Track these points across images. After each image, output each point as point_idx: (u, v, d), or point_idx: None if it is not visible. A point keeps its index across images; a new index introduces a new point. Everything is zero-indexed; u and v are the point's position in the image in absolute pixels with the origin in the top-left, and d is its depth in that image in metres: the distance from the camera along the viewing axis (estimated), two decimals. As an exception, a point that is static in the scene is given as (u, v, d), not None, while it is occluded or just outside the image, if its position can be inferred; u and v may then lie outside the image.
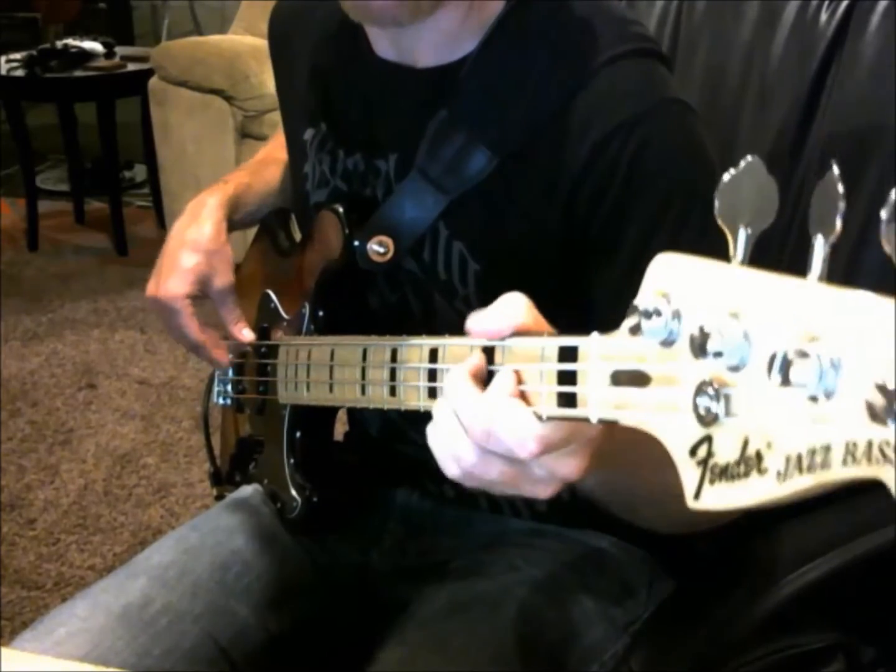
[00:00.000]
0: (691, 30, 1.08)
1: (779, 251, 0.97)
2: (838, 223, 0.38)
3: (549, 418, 0.52)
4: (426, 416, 0.91)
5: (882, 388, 0.34)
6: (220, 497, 1.07)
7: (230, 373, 1.06)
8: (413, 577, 0.95)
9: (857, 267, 0.92)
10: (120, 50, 3.71)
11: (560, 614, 0.88)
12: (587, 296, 0.79)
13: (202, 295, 0.94)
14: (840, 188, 0.38)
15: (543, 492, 0.58)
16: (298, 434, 0.92)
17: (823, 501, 0.84)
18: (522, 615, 0.86)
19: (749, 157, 0.43)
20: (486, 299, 0.67)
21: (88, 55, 3.53)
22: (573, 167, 0.77)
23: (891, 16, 0.95)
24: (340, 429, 1.01)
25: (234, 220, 0.98)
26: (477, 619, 0.86)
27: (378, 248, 0.84)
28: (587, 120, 0.77)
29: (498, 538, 0.94)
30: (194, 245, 0.93)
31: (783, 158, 0.99)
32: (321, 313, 0.90)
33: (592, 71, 0.78)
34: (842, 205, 0.38)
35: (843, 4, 0.98)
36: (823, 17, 0.99)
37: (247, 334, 0.95)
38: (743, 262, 0.42)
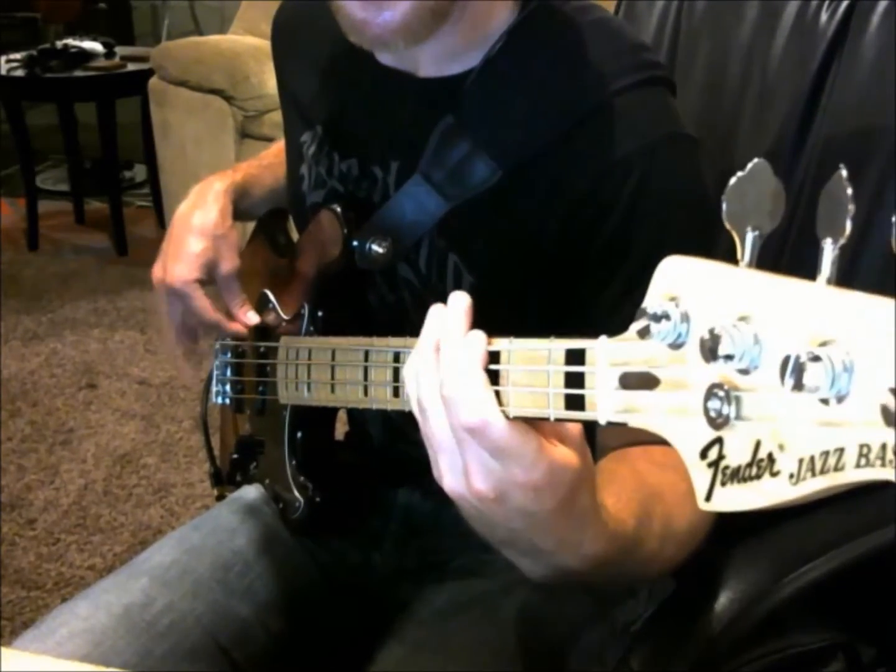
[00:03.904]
0: (691, 30, 1.08)
1: (778, 251, 0.98)
2: (848, 225, 0.38)
3: (557, 420, 0.52)
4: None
5: None
6: (220, 497, 1.07)
7: (228, 373, 1.06)
8: (414, 578, 0.95)
9: (856, 267, 0.92)
10: (120, 50, 3.71)
11: (560, 614, 0.88)
12: (579, 315, 0.78)
13: (208, 280, 0.94)
14: (848, 190, 0.38)
15: (451, 479, 0.56)
16: (299, 434, 0.92)
17: (823, 501, 0.84)
18: (522, 615, 0.86)
19: (756, 160, 0.43)
20: (480, 311, 0.67)
21: (88, 55, 3.53)
22: (574, 193, 0.77)
23: (891, 16, 0.95)
24: (341, 429, 1.01)
25: (238, 210, 0.98)
26: (477, 619, 0.86)
27: (377, 247, 0.84)
28: (592, 148, 0.77)
29: (499, 538, 0.94)
30: (201, 230, 0.93)
31: (783, 158, 0.99)
32: (320, 314, 0.90)
33: (603, 98, 0.78)
34: (851, 207, 0.38)
35: (843, 4, 0.98)
36: (823, 17, 0.99)
37: (252, 317, 0.94)
38: (750, 265, 0.42)
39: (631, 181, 0.76)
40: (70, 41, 3.60)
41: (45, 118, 4.26)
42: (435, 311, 0.58)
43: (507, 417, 0.53)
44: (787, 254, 0.98)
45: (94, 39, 3.65)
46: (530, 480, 0.53)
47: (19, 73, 3.42)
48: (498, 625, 0.86)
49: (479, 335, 0.56)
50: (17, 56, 3.48)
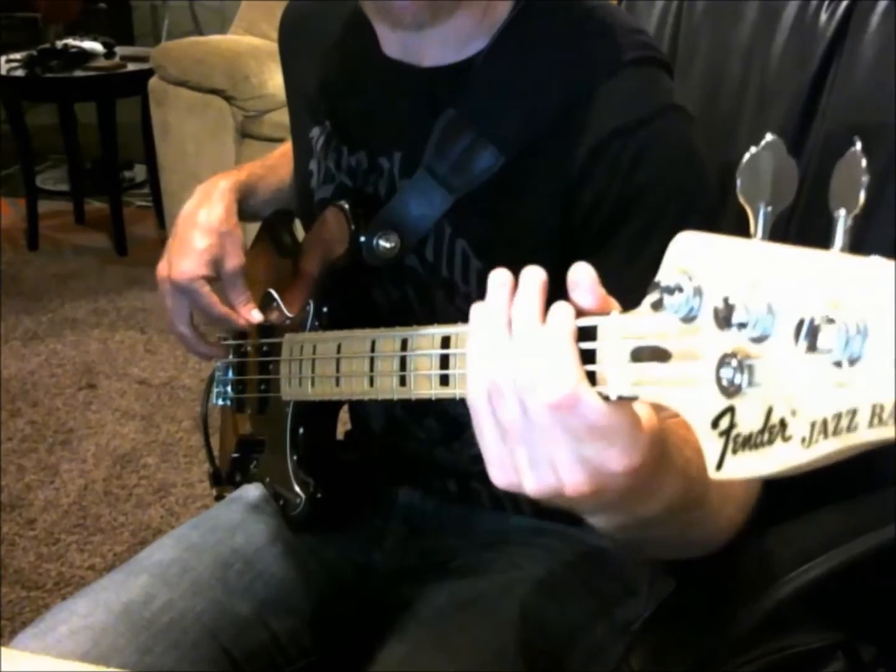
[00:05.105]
0: (691, 30, 1.08)
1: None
2: (861, 196, 0.39)
3: None
4: (429, 412, 0.92)
5: None
6: (220, 497, 1.07)
7: (230, 373, 1.06)
8: (415, 577, 0.95)
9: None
10: (120, 50, 3.71)
11: (561, 613, 0.88)
12: None
13: (214, 277, 0.94)
14: (863, 162, 0.39)
15: (534, 476, 0.52)
16: (301, 431, 0.92)
17: (823, 501, 0.84)
18: (523, 614, 0.86)
19: (769, 136, 0.43)
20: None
21: (88, 55, 3.53)
22: (574, 169, 0.78)
23: (891, 16, 0.95)
24: (341, 429, 1.01)
25: (242, 209, 0.99)
26: (478, 618, 0.86)
27: (384, 243, 0.84)
28: (589, 124, 0.78)
29: (500, 536, 0.95)
30: (206, 227, 0.93)
31: (783, 158, 0.99)
32: (325, 309, 0.90)
33: (598, 77, 0.79)
34: (865, 178, 0.39)
35: (843, 4, 0.99)
36: (823, 17, 1.00)
37: (255, 315, 0.95)
38: (763, 239, 0.43)
39: (627, 152, 0.76)
40: (70, 41, 3.60)
41: (45, 118, 4.26)
42: (499, 279, 0.55)
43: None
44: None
45: (94, 39, 3.65)
46: (631, 463, 0.51)
47: (19, 73, 3.42)
48: (498, 624, 0.86)
49: (568, 308, 0.52)
50: (17, 56, 3.48)
